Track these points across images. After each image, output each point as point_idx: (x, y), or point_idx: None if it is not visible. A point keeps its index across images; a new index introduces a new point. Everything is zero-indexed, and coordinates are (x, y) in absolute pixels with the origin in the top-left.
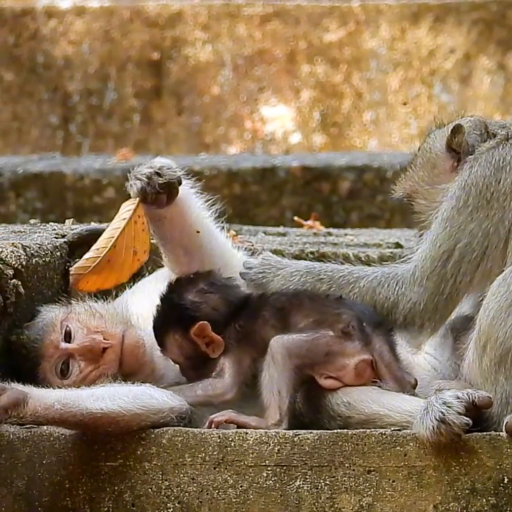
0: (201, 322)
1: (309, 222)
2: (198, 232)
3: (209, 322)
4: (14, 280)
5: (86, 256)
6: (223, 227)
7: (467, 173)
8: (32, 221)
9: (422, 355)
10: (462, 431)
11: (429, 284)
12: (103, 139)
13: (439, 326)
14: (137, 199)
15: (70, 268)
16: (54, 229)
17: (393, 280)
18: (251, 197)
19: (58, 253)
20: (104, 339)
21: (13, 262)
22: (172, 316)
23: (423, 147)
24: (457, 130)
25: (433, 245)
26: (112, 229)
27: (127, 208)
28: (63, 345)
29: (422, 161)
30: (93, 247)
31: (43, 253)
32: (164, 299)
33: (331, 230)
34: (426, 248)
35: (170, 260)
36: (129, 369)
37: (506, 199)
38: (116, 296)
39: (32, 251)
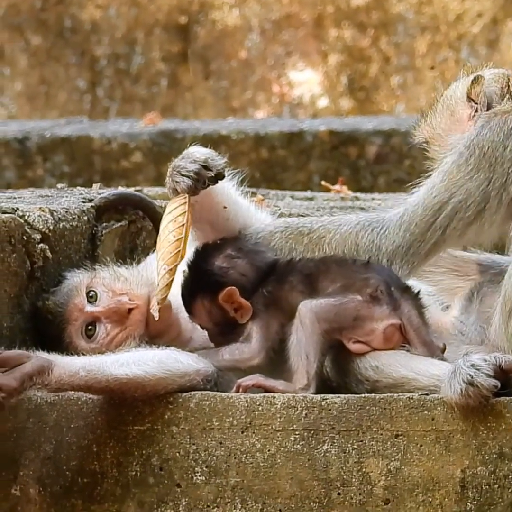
0: (229, 287)
1: (337, 187)
2: (225, 207)
3: (237, 287)
4: (41, 245)
5: (162, 282)
6: (249, 192)
7: (475, 132)
8: (59, 185)
9: (449, 319)
10: (490, 393)
11: (416, 230)
12: (130, 103)
13: (416, 270)
14: (187, 197)
15: (154, 306)
16: (81, 194)
17: (378, 224)
18: (278, 161)
19: (85, 218)
20: (130, 300)
21: (41, 227)
22: (200, 282)
23: (445, 94)
24: (477, 80)
25: (428, 194)
26: (174, 239)
27: (180, 210)
28: (88, 308)
29: (442, 108)
30: (161, 265)
31: (70, 217)
32: (192, 265)
33: (358, 194)
34: (421, 195)
35: (198, 236)
36: (156, 330)
37: (511, 166)
38: (139, 261)
39: (59, 216)
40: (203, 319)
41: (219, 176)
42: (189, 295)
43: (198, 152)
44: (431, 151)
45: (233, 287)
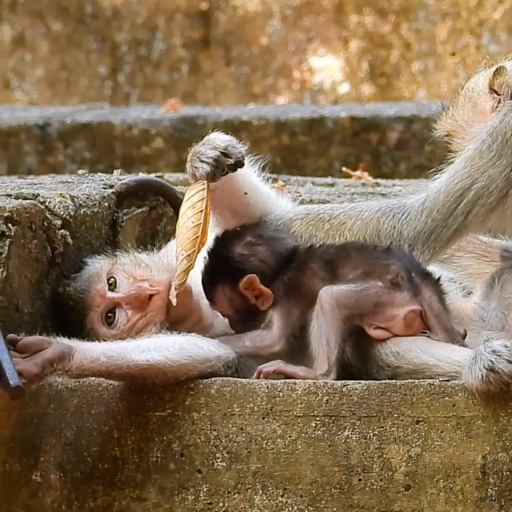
0: (250, 275)
1: (357, 173)
2: (245, 193)
3: (258, 274)
4: (62, 231)
5: (180, 268)
6: (269, 178)
7: (499, 120)
8: (80, 171)
9: (470, 305)
10: (511, 379)
11: (438, 216)
12: (151, 90)
13: (437, 256)
14: (206, 183)
15: (173, 293)
16: (102, 180)
17: (399, 210)
18: (299, 147)
19: (106, 204)
20: (150, 286)
21: (61, 213)
22: (220, 269)
23: (466, 86)
24: (499, 71)
25: (450, 180)
26: (192, 224)
27: (199, 196)
28: (109, 294)
29: (464, 100)
30: (180, 251)
31: (91, 203)
32: (212, 252)
33: (379, 180)
34: (443, 181)
35: (219, 222)
36: (177, 316)
37: None
38: (160, 247)
39: (80, 202)
40: (223, 307)
41: (239, 164)
42: (209, 283)
43: (218, 139)
44: (453, 144)
45: (253, 275)
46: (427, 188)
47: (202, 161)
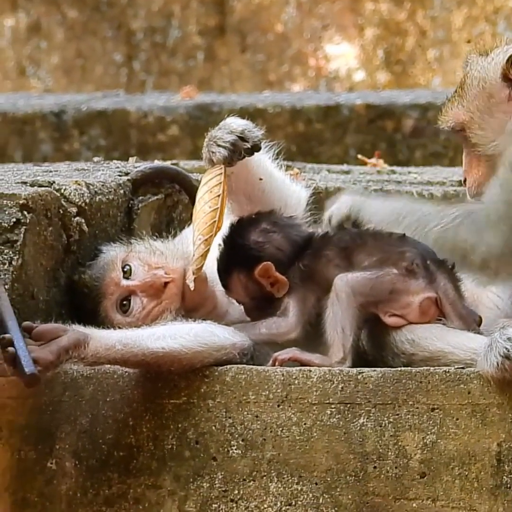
0: (265, 262)
1: (373, 160)
2: (260, 179)
3: (273, 262)
4: (77, 218)
5: (197, 252)
6: (285, 166)
7: None
8: (95, 158)
9: (485, 293)
10: None
11: (504, 228)
12: (166, 77)
13: None
14: (223, 168)
15: (190, 276)
16: (118, 167)
17: (471, 222)
18: (314, 135)
19: (122, 191)
20: (165, 274)
21: (77, 200)
22: (235, 257)
23: (473, 75)
24: None
25: (503, 189)
26: (210, 209)
27: (216, 181)
28: (124, 282)
29: (476, 91)
30: (197, 235)
31: (107, 191)
32: (227, 240)
33: (394, 168)
34: (496, 192)
35: (233, 208)
36: (192, 304)
37: None
38: (176, 234)
39: (95, 189)
40: (239, 294)
41: (256, 148)
42: (224, 271)
43: (235, 123)
44: (472, 136)
45: (269, 262)
46: (485, 200)
47: (219, 146)
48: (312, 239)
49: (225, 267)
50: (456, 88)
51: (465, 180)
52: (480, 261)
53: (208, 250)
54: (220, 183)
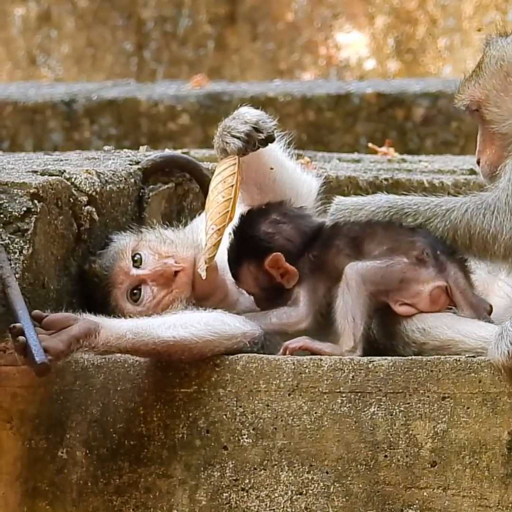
0: (275, 253)
1: (383, 149)
2: (271, 168)
3: (283, 252)
4: (88, 207)
5: (210, 242)
6: (295, 154)
7: None
8: (106, 147)
9: (495, 282)
10: None
11: None
12: (177, 66)
13: None
14: (237, 158)
15: (201, 265)
16: (128, 156)
17: (487, 211)
18: (325, 123)
19: (132, 180)
20: (176, 263)
21: (87, 189)
22: (245, 248)
23: (492, 54)
24: None
25: None
26: (223, 199)
27: (229, 171)
28: (134, 271)
29: (493, 69)
30: (210, 225)
31: (117, 179)
32: (237, 231)
33: (405, 156)
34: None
35: (244, 198)
36: (202, 293)
37: None
38: (186, 223)
39: (106, 178)
40: (249, 285)
41: (270, 139)
42: (235, 261)
43: (249, 113)
44: (487, 114)
45: (278, 253)
46: (500, 186)
47: (233, 136)
48: (322, 229)
49: (235, 258)
50: (474, 68)
51: (478, 161)
52: (503, 250)
53: (221, 240)
54: (234, 173)
